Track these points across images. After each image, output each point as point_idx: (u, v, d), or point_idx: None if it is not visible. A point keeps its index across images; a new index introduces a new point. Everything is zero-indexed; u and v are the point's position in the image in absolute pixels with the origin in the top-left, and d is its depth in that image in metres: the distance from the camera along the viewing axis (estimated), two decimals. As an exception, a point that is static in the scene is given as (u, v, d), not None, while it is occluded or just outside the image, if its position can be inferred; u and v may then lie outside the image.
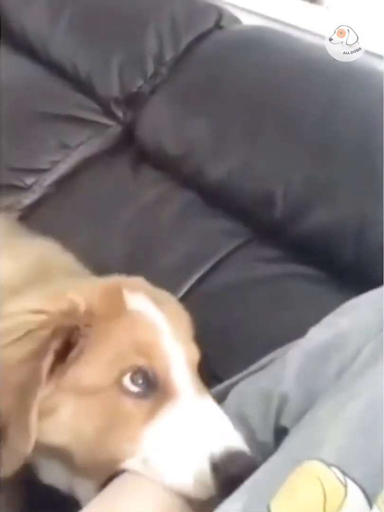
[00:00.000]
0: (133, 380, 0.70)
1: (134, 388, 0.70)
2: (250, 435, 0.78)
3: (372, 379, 0.67)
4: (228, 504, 0.65)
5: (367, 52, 1.11)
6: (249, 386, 0.82)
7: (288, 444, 0.68)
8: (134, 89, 1.37)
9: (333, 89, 1.17)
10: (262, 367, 0.85)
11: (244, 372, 0.87)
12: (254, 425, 0.77)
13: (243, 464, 0.68)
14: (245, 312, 1.09)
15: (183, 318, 0.83)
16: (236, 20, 1.44)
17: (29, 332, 0.69)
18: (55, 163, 1.36)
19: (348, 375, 0.71)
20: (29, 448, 0.67)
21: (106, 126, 1.39)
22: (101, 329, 0.71)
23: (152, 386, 0.71)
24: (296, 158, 1.15)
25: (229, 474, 0.67)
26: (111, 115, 1.39)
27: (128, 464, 0.70)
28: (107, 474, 0.70)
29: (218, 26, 1.39)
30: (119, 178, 1.32)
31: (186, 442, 0.69)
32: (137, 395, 0.70)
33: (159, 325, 0.75)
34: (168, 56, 1.37)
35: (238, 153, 1.20)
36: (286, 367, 0.77)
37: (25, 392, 0.67)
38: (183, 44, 1.38)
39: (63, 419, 0.70)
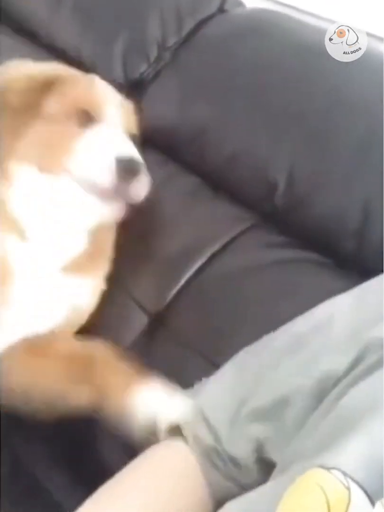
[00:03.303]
0: (79, 118, 1.02)
1: (78, 122, 1.02)
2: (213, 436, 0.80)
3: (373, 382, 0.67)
4: None
5: (368, 34, 1.11)
6: (222, 389, 0.83)
7: (292, 460, 0.68)
8: (137, 75, 1.36)
9: (337, 74, 1.15)
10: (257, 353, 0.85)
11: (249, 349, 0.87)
12: (220, 432, 0.80)
13: (136, 162, 1.00)
14: (249, 297, 1.09)
15: (130, 109, 1.11)
16: (239, 3, 1.43)
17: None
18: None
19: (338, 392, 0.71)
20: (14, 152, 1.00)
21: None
22: (68, 84, 1.04)
23: (86, 119, 1.02)
24: (299, 145, 1.14)
25: (127, 166, 0.99)
26: (114, 101, 1.38)
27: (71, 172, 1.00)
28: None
29: (221, 10, 1.39)
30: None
31: (103, 148, 1.00)
32: (78, 125, 1.02)
33: (107, 92, 1.08)
34: (172, 41, 1.36)
35: (240, 139, 1.20)
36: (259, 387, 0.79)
37: (23, 117, 1.00)
38: (186, 29, 1.37)
39: (31, 138, 1.00)
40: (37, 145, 1.01)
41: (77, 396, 0.94)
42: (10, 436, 0.99)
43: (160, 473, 0.81)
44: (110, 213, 1.04)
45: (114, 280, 1.16)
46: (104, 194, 1.01)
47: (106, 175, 0.99)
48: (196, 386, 0.90)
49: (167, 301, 1.14)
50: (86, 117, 1.03)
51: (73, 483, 1.01)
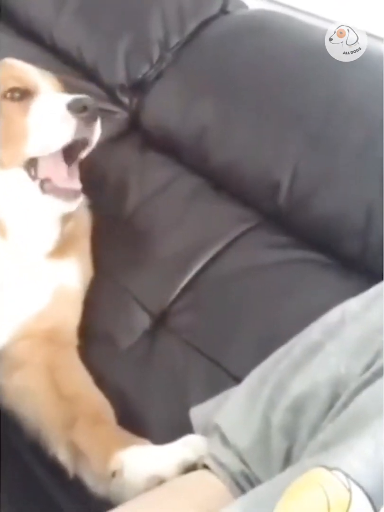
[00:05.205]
0: (12, 95, 1.05)
1: (13, 98, 1.05)
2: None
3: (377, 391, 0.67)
4: None
5: (368, 34, 1.11)
6: (240, 409, 0.80)
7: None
8: (140, 76, 1.36)
9: (340, 74, 1.15)
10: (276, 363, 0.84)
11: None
12: (248, 456, 0.77)
13: (86, 99, 1.02)
14: (252, 297, 1.09)
15: (53, 79, 1.13)
16: (241, 4, 1.43)
17: None
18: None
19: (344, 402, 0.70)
20: None
21: (112, 113, 1.38)
22: None
23: (27, 96, 1.05)
24: (303, 145, 1.14)
25: (80, 105, 1.00)
26: (117, 101, 1.38)
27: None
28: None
29: (223, 11, 1.39)
30: (125, 165, 1.32)
31: (51, 109, 1.01)
32: (16, 100, 1.04)
33: (30, 69, 1.10)
34: (174, 41, 1.36)
35: (243, 139, 1.20)
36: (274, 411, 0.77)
37: None
38: (188, 30, 1.37)
39: None
40: None
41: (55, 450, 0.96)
42: (11, 434, 0.99)
43: (194, 498, 0.77)
44: (68, 207, 1.04)
45: (117, 280, 1.16)
46: (62, 192, 1.02)
47: (66, 126, 1.00)
48: (208, 402, 0.88)
49: (169, 301, 1.14)
50: (21, 92, 1.05)
51: (73, 483, 1.01)
